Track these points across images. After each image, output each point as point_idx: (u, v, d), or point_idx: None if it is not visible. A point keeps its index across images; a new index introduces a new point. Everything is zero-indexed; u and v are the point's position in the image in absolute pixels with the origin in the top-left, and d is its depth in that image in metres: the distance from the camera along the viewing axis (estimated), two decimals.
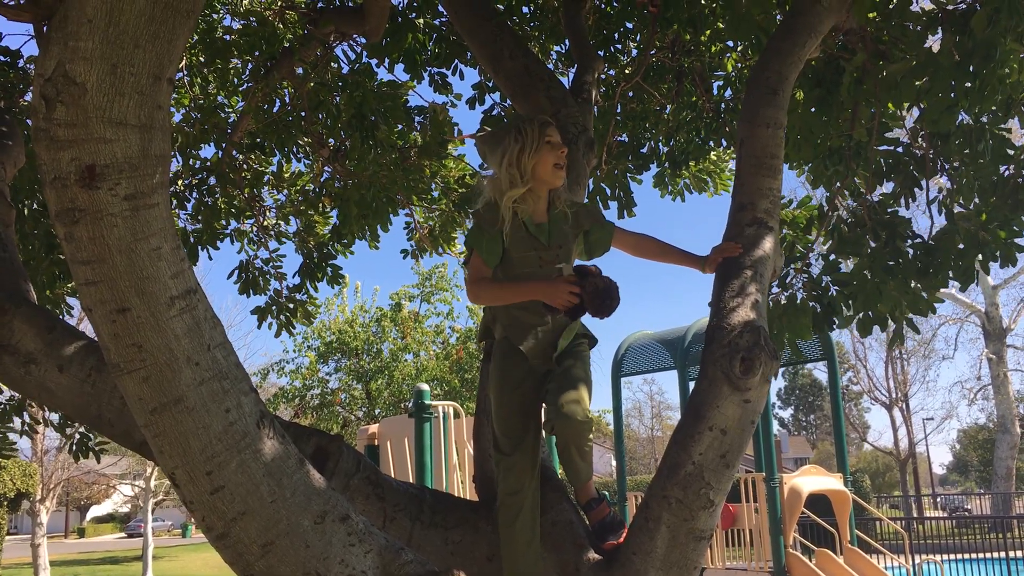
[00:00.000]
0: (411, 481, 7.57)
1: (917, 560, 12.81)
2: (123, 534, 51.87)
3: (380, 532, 2.10)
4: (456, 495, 5.61)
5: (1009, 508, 28.44)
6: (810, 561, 10.08)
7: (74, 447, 4.91)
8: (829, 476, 11.02)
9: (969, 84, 3.26)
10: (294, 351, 21.30)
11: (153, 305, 1.84)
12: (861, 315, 3.94)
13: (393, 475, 8.13)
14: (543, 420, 2.69)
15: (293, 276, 6.29)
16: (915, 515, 29.94)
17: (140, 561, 27.37)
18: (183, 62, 5.54)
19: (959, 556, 15.02)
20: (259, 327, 6.42)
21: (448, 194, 6.33)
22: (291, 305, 6.27)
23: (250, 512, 1.92)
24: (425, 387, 8.44)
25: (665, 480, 2.49)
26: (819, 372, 55.49)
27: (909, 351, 39.75)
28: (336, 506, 2.03)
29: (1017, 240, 3.80)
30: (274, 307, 6.29)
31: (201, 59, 5.60)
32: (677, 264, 2.94)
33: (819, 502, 11.15)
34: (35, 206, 5.11)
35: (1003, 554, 14.52)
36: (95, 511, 57.13)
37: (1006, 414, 30.00)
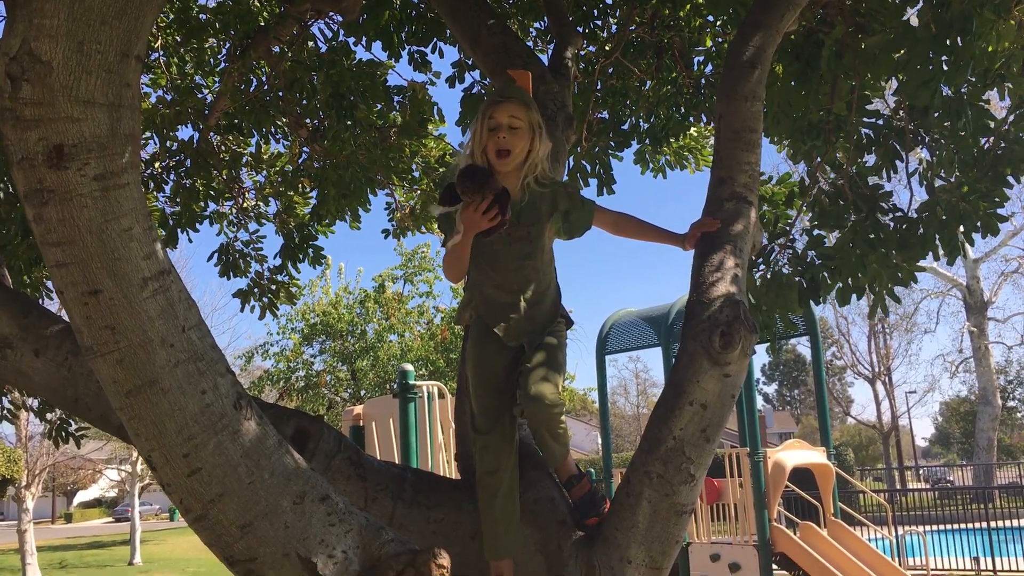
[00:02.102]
0: (396, 461, 7.59)
1: (900, 531, 12.94)
2: (111, 519, 51.83)
3: (360, 512, 2.09)
4: (441, 475, 5.61)
5: (991, 479, 28.78)
6: (794, 534, 10.18)
7: (53, 433, 4.89)
8: (813, 450, 11.10)
9: (946, 57, 3.25)
10: (278, 334, 21.32)
11: (125, 286, 1.81)
12: (841, 286, 3.94)
13: (379, 456, 8.12)
14: (515, 404, 2.68)
15: (274, 257, 6.26)
16: (898, 487, 30.29)
17: (127, 545, 27.37)
18: (159, 42, 5.47)
19: (941, 527, 15.18)
20: (242, 310, 6.40)
21: (429, 173, 6.29)
22: (273, 287, 6.24)
23: (228, 494, 1.91)
24: (409, 367, 8.42)
25: (646, 455, 2.50)
26: (803, 347, 55.78)
27: (891, 325, 40.09)
28: (315, 486, 2.02)
29: (998, 211, 3.81)
30: (256, 289, 6.26)
31: (177, 39, 5.52)
32: (657, 242, 2.93)
33: (803, 476, 11.24)
34: (11, 189, 5.05)
35: (985, 524, 14.69)
36: (82, 496, 57.04)
37: (987, 386, 30.33)
